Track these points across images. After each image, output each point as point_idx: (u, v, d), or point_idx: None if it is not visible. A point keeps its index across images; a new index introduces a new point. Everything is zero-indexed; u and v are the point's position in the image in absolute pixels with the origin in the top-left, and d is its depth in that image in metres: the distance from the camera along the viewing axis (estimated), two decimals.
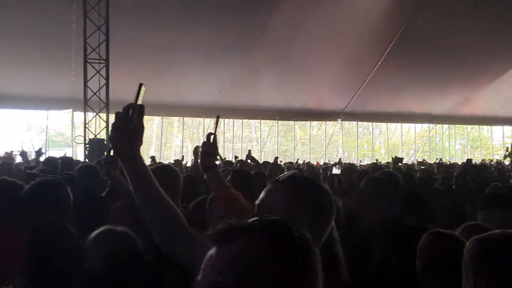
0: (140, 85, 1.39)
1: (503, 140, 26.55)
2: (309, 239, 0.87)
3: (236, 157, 8.54)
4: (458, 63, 17.52)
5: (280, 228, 0.87)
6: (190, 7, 13.44)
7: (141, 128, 1.38)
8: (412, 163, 15.79)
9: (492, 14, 15.61)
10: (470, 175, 5.65)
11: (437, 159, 18.85)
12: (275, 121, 22.06)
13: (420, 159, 19.17)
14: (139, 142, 1.39)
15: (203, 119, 21.04)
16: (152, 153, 23.52)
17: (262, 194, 1.34)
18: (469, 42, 16.60)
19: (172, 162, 8.04)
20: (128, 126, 1.34)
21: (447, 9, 15.26)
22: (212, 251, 0.85)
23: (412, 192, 3.53)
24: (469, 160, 8.48)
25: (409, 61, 17.29)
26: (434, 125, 24.58)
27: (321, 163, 15.30)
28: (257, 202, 1.34)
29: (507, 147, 14.41)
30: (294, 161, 13.29)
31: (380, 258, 2.83)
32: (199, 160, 3.29)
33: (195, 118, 23.56)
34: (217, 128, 2.04)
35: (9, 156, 10.08)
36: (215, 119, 2.09)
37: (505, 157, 14.52)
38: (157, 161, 14.93)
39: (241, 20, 14.07)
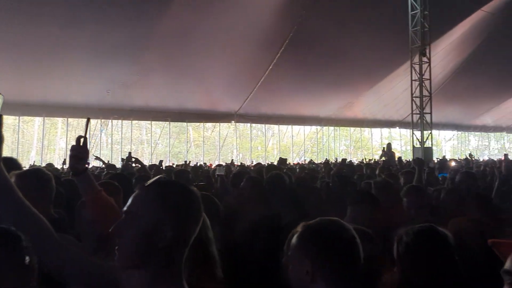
0: None
1: (381, 141, 28.48)
2: (24, 241, 0.90)
3: (123, 160, 8.28)
4: (343, 69, 18.50)
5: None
6: (76, 2, 12.70)
7: (0, 139, 1.37)
8: (302, 163, 16.56)
9: (374, 21, 16.69)
10: (345, 173, 6.12)
11: (325, 159, 19.98)
12: (167, 122, 21.54)
13: (308, 159, 20.15)
14: None
15: None
16: (33, 156, 21.77)
17: (128, 201, 1.35)
18: (353, 49, 17.72)
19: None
20: None
21: (334, 16, 16.09)
22: None
23: (290, 191, 3.74)
24: (343, 160, 9.20)
25: (299, 65, 17.84)
26: (322, 127, 25.70)
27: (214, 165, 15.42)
28: (124, 208, 1.34)
29: (383, 148, 15.60)
30: (188, 163, 13.26)
31: (259, 253, 2.95)
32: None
33: (81, 119, 22.25)
34: (87, 131, 2.00)
35: None
36: (85, 122, 2.05)
37: (381, 156, 15.66)
38: (38, 164, 13.93)
39: (131, 17, 13.58)
